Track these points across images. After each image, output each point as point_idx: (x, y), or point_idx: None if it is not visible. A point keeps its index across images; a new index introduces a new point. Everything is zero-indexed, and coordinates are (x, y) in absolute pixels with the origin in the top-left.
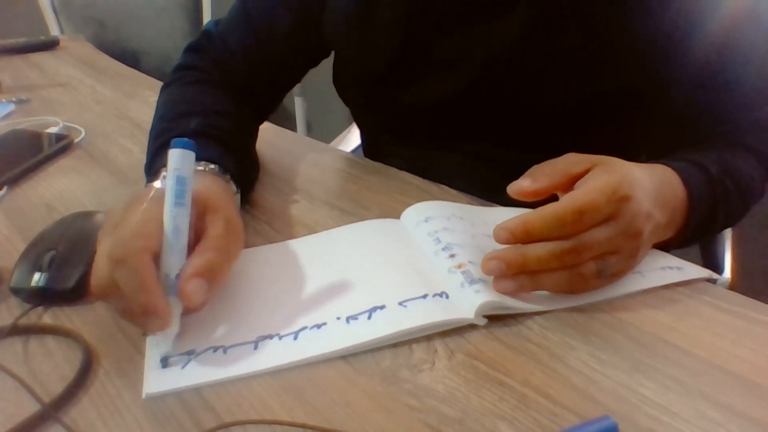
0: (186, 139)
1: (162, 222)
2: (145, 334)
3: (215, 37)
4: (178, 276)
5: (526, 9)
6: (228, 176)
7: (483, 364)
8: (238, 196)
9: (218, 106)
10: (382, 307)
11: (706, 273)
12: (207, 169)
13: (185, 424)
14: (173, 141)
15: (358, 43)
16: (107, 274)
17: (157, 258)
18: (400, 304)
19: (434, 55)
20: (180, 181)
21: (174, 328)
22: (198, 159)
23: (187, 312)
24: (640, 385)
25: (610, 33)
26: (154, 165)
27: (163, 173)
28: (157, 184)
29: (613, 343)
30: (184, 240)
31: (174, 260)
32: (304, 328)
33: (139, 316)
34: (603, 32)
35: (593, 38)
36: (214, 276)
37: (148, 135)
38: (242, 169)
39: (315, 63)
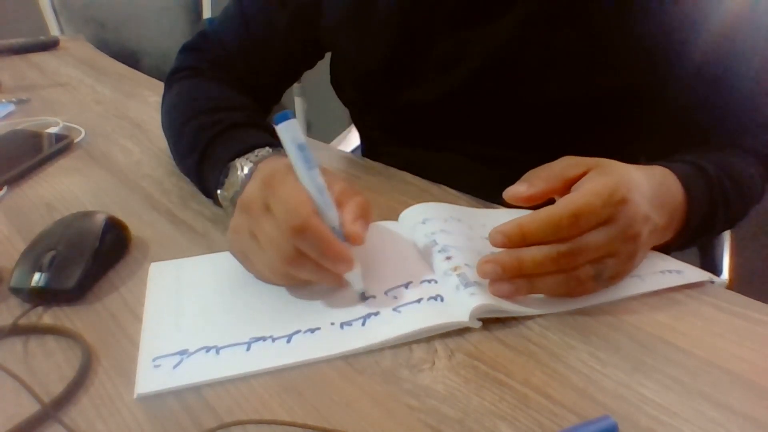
0: (286, 111)
1: (304, 189)
2: (334, 282)
3: (211, 37)
4: (340, 225)
5: (523, 9)
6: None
7: (483, 364)
8: None
9: (245, 101)
10: (376, 314)
11: (706, 276)
12: (276, 152)
13: (185, 424)
14: (275, 117)
15: (355, 43)
16: (291, 246)
17: (321, 219)
18: (395, 309)
19: (431, 55)
20: (302, 148)
21: (359, 266)
22: (262, 145)
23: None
24: (640, 385)
25: (607, 33)
26: (211, 159)
27: (240, 161)
28: (249, 165)
29: (613, 343)
30: (329, 195)
31: (331, 214)
32: (298, 331)
33: (329, 270)
34: (600, 32)
35: (590, 38)
36: (367, 214)
37: (171, 135)
38: None
39: (311, 65)
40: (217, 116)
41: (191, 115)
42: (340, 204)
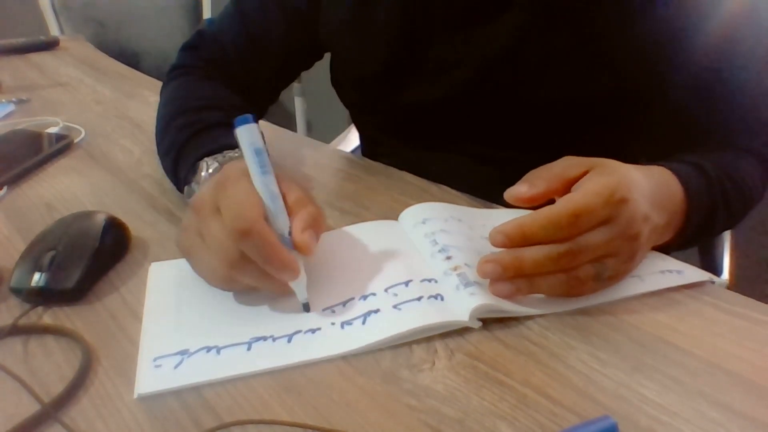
0: (246, 115)
1: (257, 193)
2: (278, 291)
3: (209, 37)
4: (289, 234)
5: (521, 11)
6: None
7: (483, 364)
8: None
9: (233, 101)
10: (376, 311)
11: (706, 276)
12: None
13: (185, 423)
14: (236, 120)
15: (355, 45)
16: (235, 249)
17: (268, 225)
18: (395, 307)
19: (430, 56)
20: (258, 152)
21: (304, 277)
22: (234, 147)
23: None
24: (640, 385)
25: (606, 34)
26: (184, 157)
27: (207, 161)
28: (215, 165)
29: (613, 343)
30: (281, 202)
31: (281, 222)
32: (299, 331)
33: (273, 277)
34: (599, 33)
35: (589, 39)
36: (318, 225)
37: (157, 133)
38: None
39: (308, 65)
40: (198, 116)
41: (175, 114)
42: (292, 212)
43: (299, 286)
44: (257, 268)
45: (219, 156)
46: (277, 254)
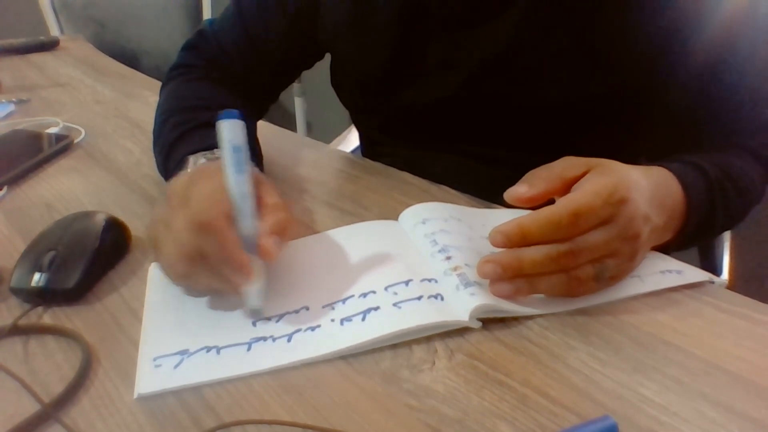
0: (232, 110)
1: (227, 191)
2: (231, 290)
3: (210, 36)
4: (254, 237)
5: (520, 10)
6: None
7: (483, 364)
8: None
9: (226, 101)
10: (376, 309)
11: (705, 276)
12: None
13: (185, 424)
14: (220, 114)
15: (354, 46)
16: (192, 242)
17: (231, 223)
18: (395, 305)
19: (429, 57)
20: (236, 150)
21: (260, 282)
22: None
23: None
24: (640, 385)
25: (605, 34)
26: (173, 155)
27: (192, 159)
28: (201, 161)
29: (613, 343)
30: (252, 204)
31: (248, 223)
32: (298, 330)
33: (226, 277)
34: (598, 33)
35: (588, 39)
36: (285, 232)
37: (154, 132)
38: (255, 157)
39: (308, 65)
40: (191, 115)
41: (170, 113)
42: (264, 217)
43: (251, 291)
44: (212, 268)
45: (208, 153)
46: (233, 253)
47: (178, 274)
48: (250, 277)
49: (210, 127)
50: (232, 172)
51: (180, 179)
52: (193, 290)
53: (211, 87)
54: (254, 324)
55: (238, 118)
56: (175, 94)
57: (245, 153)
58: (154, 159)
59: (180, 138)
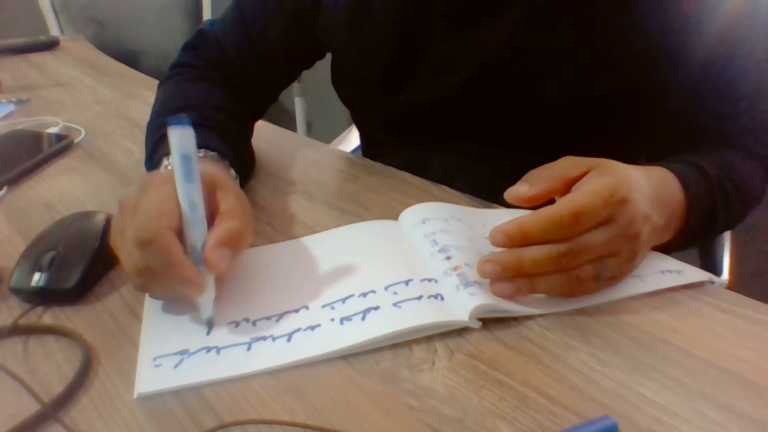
0: (182, 116)
1: (177, 200)
2: (185, 301)
3: (210, 36)
4: (203, 247)
5: (521, 10)
6: (227, 162)
7: (483, 364)
8: (237, 181)
9: (214, 101)
10: (376, 308)
11: (706, 276)
12: (206, 155)
13: (185, 423)
14: (169, 120)
15: (354, 45)
16: (138, 258)
17: (180, 234)
18: (395, 305)
19: (429, 56)
20: (185, 158)
21: (210, 293)
22: (198, 147)
23: (217, 279)
24: (640, 385)
25: (606, 34)
26: (154, 156)
27: (165, 162)
28: (161, 169)
29: (613, 343)
30: (201, 213)
31: (197, 233)
32: (298, 329)
33: (176, 290)
34: (599, 33)
35: (589, 39)
36: (236, 243)
37: (146, 132)
38: (239, 158)
39: (309, 65)
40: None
41: (156, 114)
42: (215, 226)
43: (203, 303)
44: (162, 280)
45: None
46: (179, 268)
47: (135, 286)
48: (200, 290)
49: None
50: (182, 180)
51: (132, 189)
52: (156, 298)
53: (203, 87)
54: (254, 324)
55: (189, 125)
56: (166, 95)
57: (195, 161)
58: None
59: (161, 140)
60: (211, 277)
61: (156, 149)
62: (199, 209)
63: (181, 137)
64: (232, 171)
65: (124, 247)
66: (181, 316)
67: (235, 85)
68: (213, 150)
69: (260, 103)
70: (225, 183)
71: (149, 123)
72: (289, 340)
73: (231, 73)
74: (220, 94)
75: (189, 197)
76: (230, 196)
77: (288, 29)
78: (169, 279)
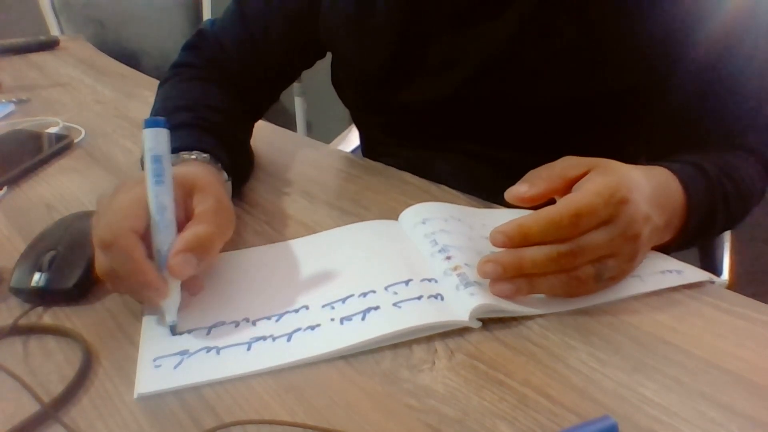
0: (158, 117)
1: (146, 203)
2: (150, 305)
3: (210, 36)
4: (168, 251)
5: (521, 8)
6: (219, 165)
7: (483, 364)
8: (229, 184)
9: (212, 102)
10: (376, 308)
11: (706, 276)
12: (199, 157)
13: (185, 424)
14: (144, 122)
15: (354, 45)
16: (103, 261)
17: (146, 237)
18: (395, 305)
19: (429, 56)
20: (156, 160)
21: (174, 298)
22: (190, 149)
23: (185, 287)
24: (640, 385)
25: (606, 33)
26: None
27: None
28: (181, 163)
29: (613, 343)
30: (170, 216)
31: (163, 237)
32: (298, 329)
33: (140, 292)
34: (599, 32)
35: (589, 38)
36: (203, 249)
37: None
38: (234, 160)
39: (309, 64)
40: (169, 116)
41: (156, 114)
42: (185, 229)
43: (167, 307)
44: (126, 283)
45: (173, 157)
46: (139, 271)
47: (109, 287)
48: (161, 295)
49: (181, 128)
50: (151, 182)
51: (110, 191)
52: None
53: (203, 88)
54: (254, 324)
55: (162, 126)
56: (165, 95)
57: (167, 163)
58: None
59: None
60: (175, 283)
61: None
62: (167, 212)
63: (155, 138)
64: (225, 174)
65: (95, 248)
66: (181, 315)
67: (235, 85)
68: (205, 152)
69: (260, 103)
70: (205, 186)
71: None
72: (289, 340)
73: (231, 73)
74: (219, 95)
75: (157, 200)
76: (208, 200)
77: (289, 28)
78: (131, 282)
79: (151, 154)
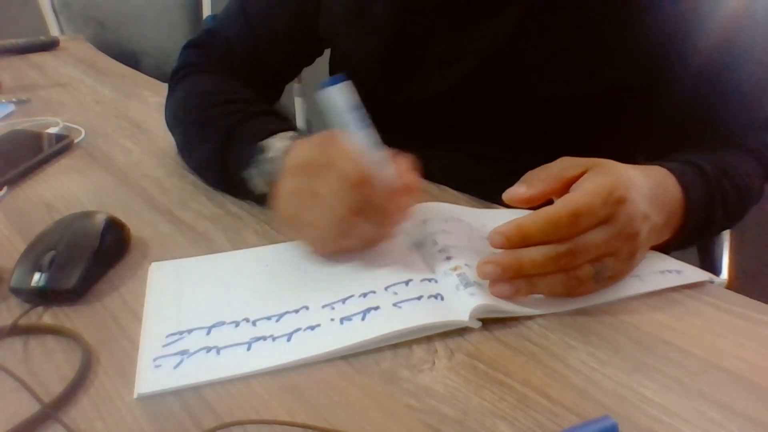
0: (337, 75)
1: (358, 148)
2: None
3: (213, 34)
4: (393, 183)
5: (520, 8)
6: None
7: (483, 364)
8: None
9: (252, 95)
10: (376, 308)
11: (705, 276)
12: (294, 137)
13: (185, 424)
14: (326, 81)
15: (354, 42)
16: (355, 199)
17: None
18: (395, 305)
19: (428, 53)
20: (355, 109)
21: (414, 218)
22: (287, 130)
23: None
24: (640, 385)
25: (606, 31)
26: (241, 138)
27: (280, 137)
28: (285, 142)
29: (613, 343)
30: (385, 153)
31: (387, 170)
32: (298, 329)
33: (385, 225)
34: (598, 31)
35: (588, 36)
36: (416, 168)
37: (181, 125)
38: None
39: (310, 61)
40: (235, 106)
41: (209, 105)
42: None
43: (411, 227)
44: (369, 219)
45: (284, 134)
46: (395, 197)
47: (331, 239)
48: (409, 212)
49: (269, 114)
50: (358, 128)
51: (302, 151)
52: (344, 251)
53: (231, 83)
54: (254, 324)
55: (345, 81)
56: (202, 89)
57: (361, 110)
58: (155, 159)
59: (241, 124)
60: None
61: (240, 133)
62: (383, 149)
63: (346, 92)
64: None
65: (322, 200)
66: (181, 316)
67: (244, 81)
68: (293, 130)
69: (266, 99)
70: None
71: (196, 117)
72: (289, 340)
73: (237, 70)
74: (243, 88)
75: (372, 140)
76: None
77: (291, 23)
78: (385, 210)
79: (349, 104)
